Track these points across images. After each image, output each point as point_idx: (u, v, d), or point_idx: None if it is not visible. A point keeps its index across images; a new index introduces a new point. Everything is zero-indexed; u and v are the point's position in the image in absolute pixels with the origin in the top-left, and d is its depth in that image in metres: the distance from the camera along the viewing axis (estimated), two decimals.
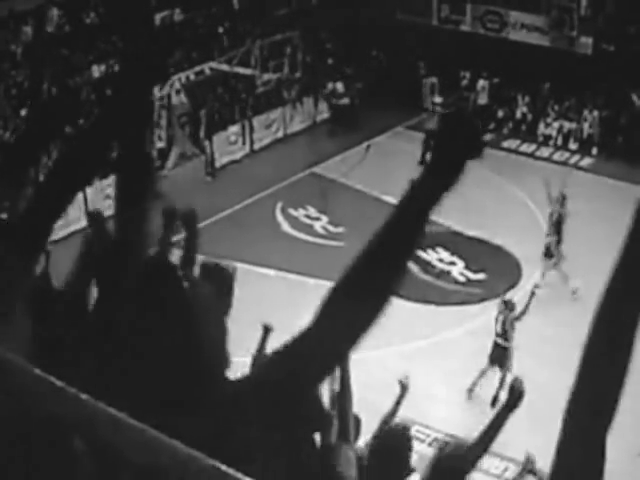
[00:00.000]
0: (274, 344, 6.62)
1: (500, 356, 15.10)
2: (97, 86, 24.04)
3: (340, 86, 26.49)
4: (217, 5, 28.15)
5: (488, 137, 25.95)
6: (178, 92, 24.02)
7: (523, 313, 14.89)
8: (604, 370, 2.12)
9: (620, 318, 2.09)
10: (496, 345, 15.12)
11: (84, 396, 1.48)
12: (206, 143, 24.02)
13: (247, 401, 2.20)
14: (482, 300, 17.71)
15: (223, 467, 1.40)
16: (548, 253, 18.08)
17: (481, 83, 26.57)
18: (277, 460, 2.32)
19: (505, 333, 14.95)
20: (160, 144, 23.40)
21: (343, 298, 2.17)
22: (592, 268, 17.77)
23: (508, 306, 15.02)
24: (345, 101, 26.59)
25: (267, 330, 6.73)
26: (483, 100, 26.63)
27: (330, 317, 2.15)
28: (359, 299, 2.16)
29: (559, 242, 18.13)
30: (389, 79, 26.65)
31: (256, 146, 25.49)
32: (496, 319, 15.08)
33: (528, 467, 6.53)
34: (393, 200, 22.61)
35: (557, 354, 14.66)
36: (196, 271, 4.31)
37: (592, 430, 2.15)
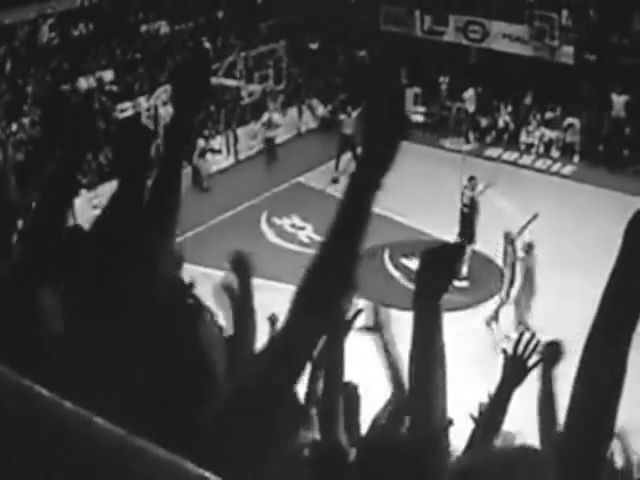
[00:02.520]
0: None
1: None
2: (85, 97, 24.22)
3: (276, 116, 25.84)
4: (202, 18, 28.34)
5: (471, 145, 26.20)
6: (165, 103, 24.08)
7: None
8: (599, 382, 2.18)
9: (617, 330, 2.14)
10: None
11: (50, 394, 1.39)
12: (200, 160, 23.61)
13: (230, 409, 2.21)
14: (467, 307, 17.82)
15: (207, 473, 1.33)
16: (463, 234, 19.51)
17: (470, 92, 26.71)
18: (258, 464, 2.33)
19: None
20: None
21: (305, 297, 2.22)
22: (574, 272, 18.09)
23: (508, 239, 17.02)
24: (276, 133, 25.83)
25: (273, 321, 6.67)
26: (471, 108, 26.78)
27: (296, 316, 2.25)
28: (321, 295, 2.23)
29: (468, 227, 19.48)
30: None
31: (241, 156, 25.61)
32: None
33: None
34: (376, 209, 22.72)
35: None
36: None
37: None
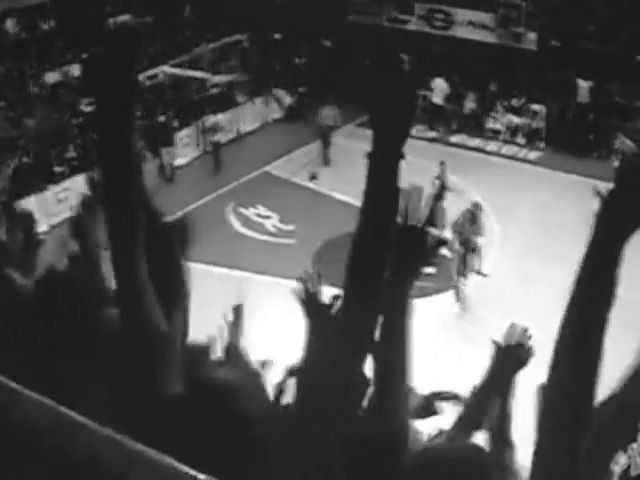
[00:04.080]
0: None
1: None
2: (51, 92, 24.12)
3: (222, 118, 25.44)
4: (169, 11, 28.20)
5: (436, 133, 26.25)
6: None
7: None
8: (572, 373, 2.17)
9: (590, 315, 2.13)
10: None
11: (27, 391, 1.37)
12: (163, 151, 23.42)
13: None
14: (436, 292, 17.83)
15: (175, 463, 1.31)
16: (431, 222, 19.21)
17: (437, 81, 26.63)
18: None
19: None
20: None
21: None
22: (541, 258, 18.17)
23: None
24: (220, 137, 25.17)
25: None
26: (440, 98, 26.72)
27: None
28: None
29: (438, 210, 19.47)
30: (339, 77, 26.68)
31: (208, 147, 25.49)
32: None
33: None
34: (343, 197, 22.83)
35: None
36: None
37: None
